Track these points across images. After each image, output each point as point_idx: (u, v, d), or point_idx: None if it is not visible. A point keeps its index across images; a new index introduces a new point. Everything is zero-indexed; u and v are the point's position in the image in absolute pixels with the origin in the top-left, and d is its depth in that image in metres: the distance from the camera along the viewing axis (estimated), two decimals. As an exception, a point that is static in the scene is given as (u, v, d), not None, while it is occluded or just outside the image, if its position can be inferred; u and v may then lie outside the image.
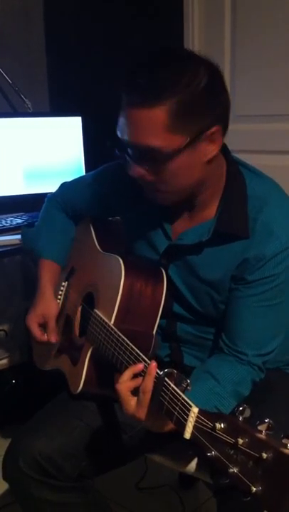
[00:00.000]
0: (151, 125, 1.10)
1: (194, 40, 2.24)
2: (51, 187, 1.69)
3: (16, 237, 1.96)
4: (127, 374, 1.11)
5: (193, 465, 1.37)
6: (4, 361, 2.64)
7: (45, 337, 1.44)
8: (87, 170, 2.42)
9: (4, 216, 2.20)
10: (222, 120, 1.15)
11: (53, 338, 1.43)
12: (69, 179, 1.65)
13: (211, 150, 1.16)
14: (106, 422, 1.37)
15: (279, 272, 1.20)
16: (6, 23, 2.53)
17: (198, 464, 1.36)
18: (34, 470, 1.29)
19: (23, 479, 1.30)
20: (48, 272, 1.53)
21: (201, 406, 1.07)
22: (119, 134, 1.16)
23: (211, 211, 1.27)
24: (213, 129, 1.13)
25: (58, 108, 2.73)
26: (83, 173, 2.41)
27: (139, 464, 1.90)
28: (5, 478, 1.35)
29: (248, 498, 0.78)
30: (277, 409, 1.22)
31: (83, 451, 1.33)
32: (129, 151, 1.16)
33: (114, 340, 1.21)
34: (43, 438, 1.31)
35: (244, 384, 1.23)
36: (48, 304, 1.47)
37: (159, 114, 1.09)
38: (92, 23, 2.56)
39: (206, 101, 1.11)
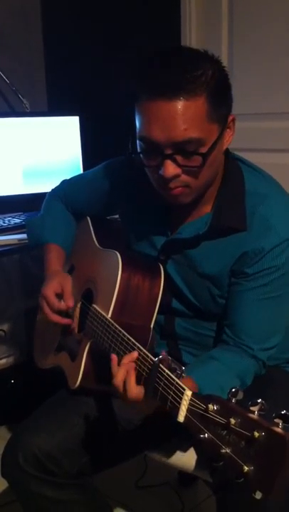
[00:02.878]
0: (193, 116, 1.08)
1: (192, 39, 2.25)
2: (49, 186, 1.69)
3: (14, 237, 1.96)
4: (127, 359, 1.11)
5: (192, 463, 1.37)
6: (3, 361, 2.64)
7: (62, 304, 1.39)
8: (85, 169, 2.42)
9: (2, 216, 2.20)
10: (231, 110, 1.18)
11: (71, 303, 1.39)
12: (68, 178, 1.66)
13: (228, 138, 1.19)
14: (105, 418, 1.37)
15: (278, 264, 1.21)
16: (4, 22, 2.54)
17: (197, 462, 1.36)
18: (34, 467, 1.29)
19: (22, 476, 1.30)
20: (55, 256, 1.52)
21: (206, 386, 1.11)
22: (147, 133, 1.12)
23: (208, 206, 1.28)
24: (231, 117, 1.17)
25: (55, 108, 2.74)
26: (81, 172, 2.41)
27: (138, 462, 1.90)
28: (4, 475, 1.35)
29: (241, 479, 0.78)
30: (278, 404, 1.22)
31: (83, 447, 1.33)
32: (165, 149, 1.11)
33: (112, 332, 1.21)
34: (42, 435, 1.31)
35: (248, 373, 1.23)
36: (63, 275, 1.46)
37: (199, 104, 1.08)
38: (90, 23, 2.57)
39: (227, 90, 1.15)
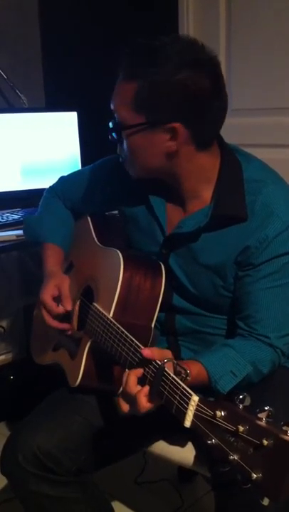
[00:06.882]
0: (123, 97, 1.20)
1: (189, 34, 2.23)
2: (47, 182, 1.69)
3: (13, 233, 1.95)
4: (133, 378, 1.10)
5: (191, 458, 1.37)
6: (2, 357, 2.64)
7: (60, 308, 1.41)
8: (83, 165, 2.42)
9: (0, 212, 2.20)
10: (190, 124, 1.18)
11: (69, 306, 1.40)
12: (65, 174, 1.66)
13: (170, 145, 1.20)
14: (105, 416, 1.37)
15: (285, 250, 1.21)
16: (1, 18, 2.52)
17: (196, 458, 1.36)
18: (33, 465, 1.29)
19: (21, 474, 1.30)
20: (52, 255, 1.53)
21: (216, 371, 1.13)
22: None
23: (205, 199, 1.28)
24: (174, 124, 1.17)
25: (53, 103, 2.73)
26: (79, 168, 2.41)
27: (138, 459, 1.90)
28: (3, 473, 1.35)
29: (248, 486, 0.78)
30: (276, 401, 1.22)
31: (82, 445, 1.33)
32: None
33: (114, 332, 1.21)
34: (42, 433, 1.31)
35: (263, 361, 1.22)
36: (60, 277, 1.46)
37: (129, 89, 1.18)
38: (88, 19, 2.56)
39: (173, 97, 1.16)
